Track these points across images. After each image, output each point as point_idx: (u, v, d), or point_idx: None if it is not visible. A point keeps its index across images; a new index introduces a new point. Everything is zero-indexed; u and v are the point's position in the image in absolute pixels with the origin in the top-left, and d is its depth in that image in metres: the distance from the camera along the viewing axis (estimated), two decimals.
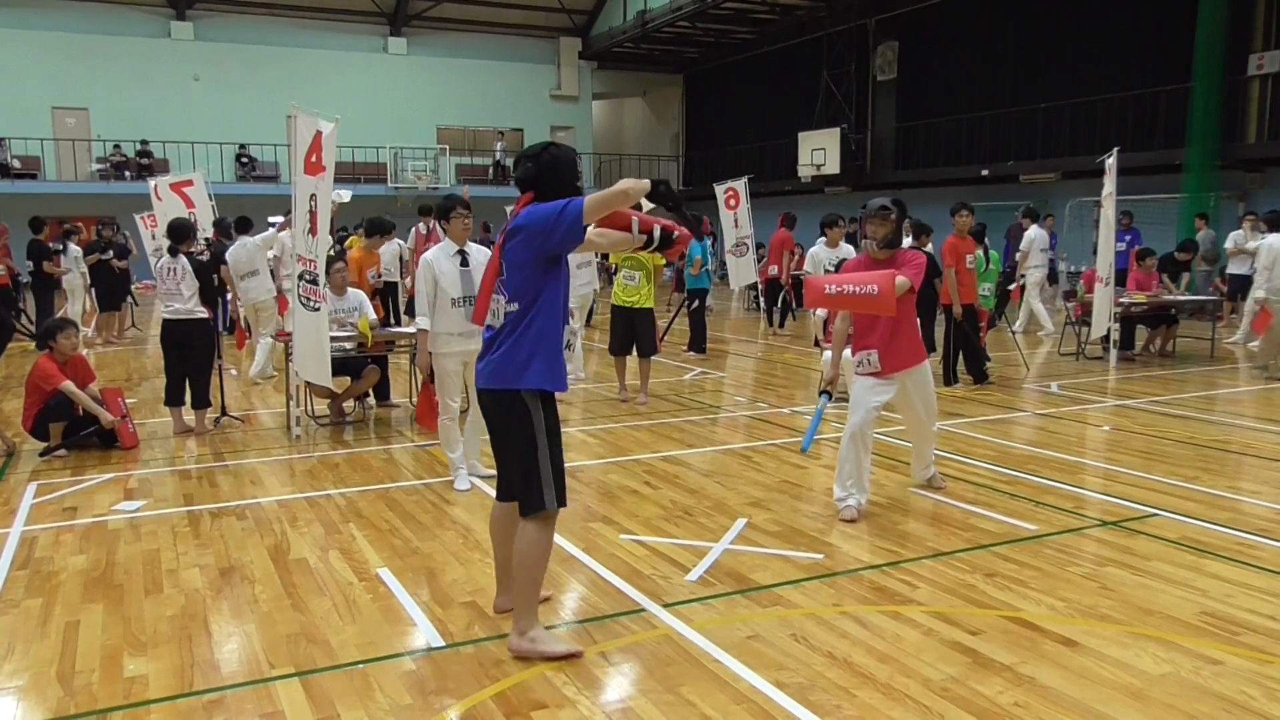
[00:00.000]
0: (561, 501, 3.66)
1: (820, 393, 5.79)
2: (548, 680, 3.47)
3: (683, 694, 3.35)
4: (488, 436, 3.91)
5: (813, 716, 3.18)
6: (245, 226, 11.40)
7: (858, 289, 5.07)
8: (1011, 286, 14.51)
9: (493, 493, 5.95)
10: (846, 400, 8.61)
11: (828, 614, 4.05)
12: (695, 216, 3.87)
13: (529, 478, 3.61)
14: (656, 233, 3.75)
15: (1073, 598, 4.20)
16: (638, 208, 3.75)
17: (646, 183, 3.47)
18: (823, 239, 9.79)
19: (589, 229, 3.71)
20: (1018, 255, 15.08)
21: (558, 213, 3.47)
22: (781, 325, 15.33)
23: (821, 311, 9.29)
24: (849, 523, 5.31)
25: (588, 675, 3.51)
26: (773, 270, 15.46)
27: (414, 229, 13.75)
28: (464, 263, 5.92)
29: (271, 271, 13.36)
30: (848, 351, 8.77)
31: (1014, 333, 13.39)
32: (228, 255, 10.18)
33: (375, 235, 10.23)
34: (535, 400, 3.61)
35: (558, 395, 3.76)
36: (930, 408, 5.74)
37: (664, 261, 8.98)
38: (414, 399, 8.72)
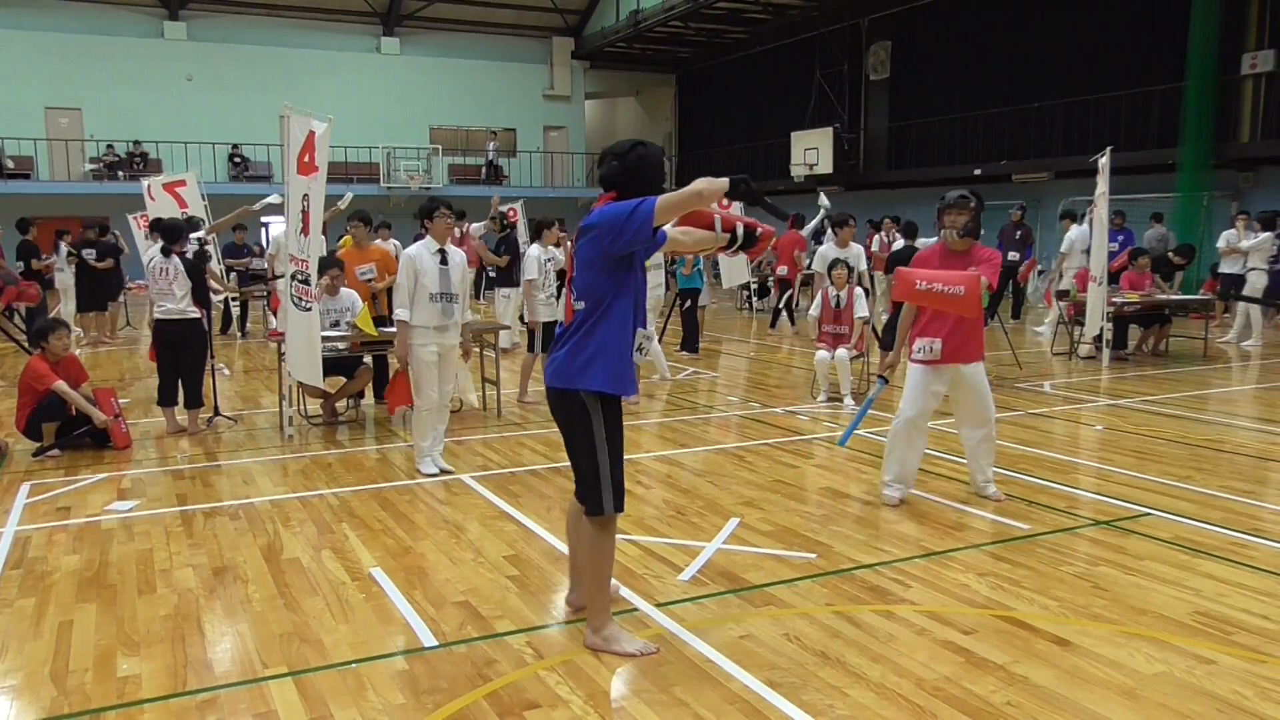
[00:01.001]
0: (619, 506, 3.66)
1: (878, 377, 5.83)
2: (540, 680, 3.47)
3: (675, 693, 3.35)
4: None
5: (805, 716, 3.18)
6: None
7: (946, 288, 5.16)
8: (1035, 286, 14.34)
9: (479, 488, 6.02)
10: (838, 399, 8.68)
11: (820, 613, 4.05)
12: (777, 208, 3.76)
13: (589, 480, 3.63)
14: (740, 231, 3.73)
15: (1065, 597, 4.21)
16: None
17: (725, 182, 3.36)
18: (833, 238, 9.80)
19: (673, 228, 3.72)
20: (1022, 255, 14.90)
21: (629, 212, 3.41)
22: (773, 325, 15.33)
23: (813, 312, 9.31)
24: (891, 508, 5.52)
25: (580, 675, 3.51)
26: (782, 270, 15.38)
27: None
28: (443, 261, 6.30)
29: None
30: (841, 352, 8.81)
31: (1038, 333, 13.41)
32: (145, 260, 9.12)
33: (358, 223, 8.89)
34: (595, 402, 3.58)
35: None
36: (986, 404, 5.57)
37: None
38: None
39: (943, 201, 5.47)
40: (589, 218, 3.59)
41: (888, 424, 7.04)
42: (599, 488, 3.61)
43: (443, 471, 6.49)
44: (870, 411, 6.22)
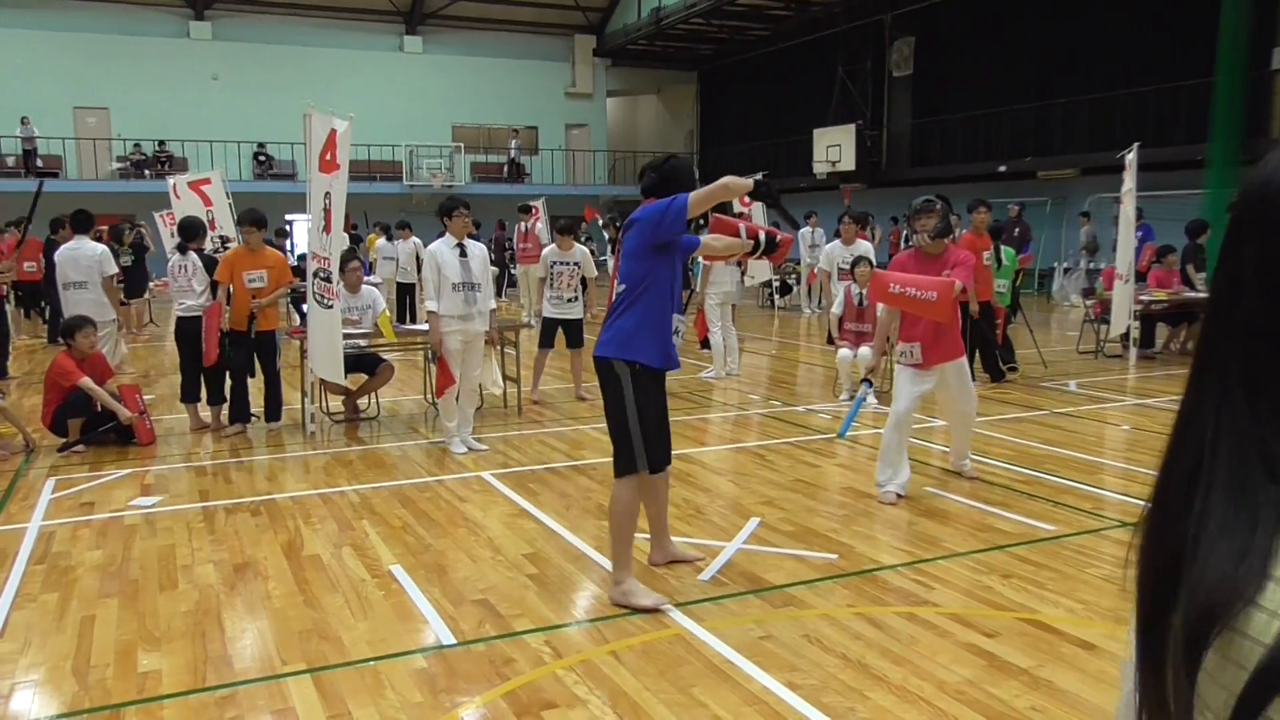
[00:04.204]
0: (654, 466, 4.13)
1: (862, 380, 6.07)
2: (559, 679, 3.45)
3: (694, 694, 3.33)
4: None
5: (825, 718, 3.15)
6: (84, 225, 8.90)
7: (919, 293, 5.36)
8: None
9: (499, 486, 6.01)
10: (848, 399, 8.60)
11: (841, 615, 4.02)
12: (790, 216, 4.49)
13: (619, 442, 4.09)
14: (762, 238, 4.28)
15: (1091, 600, 4.15)
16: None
17: (749, 181, 3.96)
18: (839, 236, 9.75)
19: (706, 235, 4.42)
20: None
21: (666, 206, 4.00)
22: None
23: (836, 310, 9.26)
24: (889, 505, 5.55)
25: (599, 675, 3.49)
26: None
27: (516, 226, 16.61)
28: (463, 254, 6.86)
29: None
30: (864, 350, 8.76)
31: None
32: (56, 256, 8.55)
33: (250, 226, 7.66)
34: (626, 371, 4.04)
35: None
36: (968, 396, 5.91)
37: None
38: (427, 395, 8.74)
39: (911, 208, 5.78)
40: (634, 214, 4.16)
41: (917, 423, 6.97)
42: (629, 449, 4.04)
43: (471, 450, 7.01)
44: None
